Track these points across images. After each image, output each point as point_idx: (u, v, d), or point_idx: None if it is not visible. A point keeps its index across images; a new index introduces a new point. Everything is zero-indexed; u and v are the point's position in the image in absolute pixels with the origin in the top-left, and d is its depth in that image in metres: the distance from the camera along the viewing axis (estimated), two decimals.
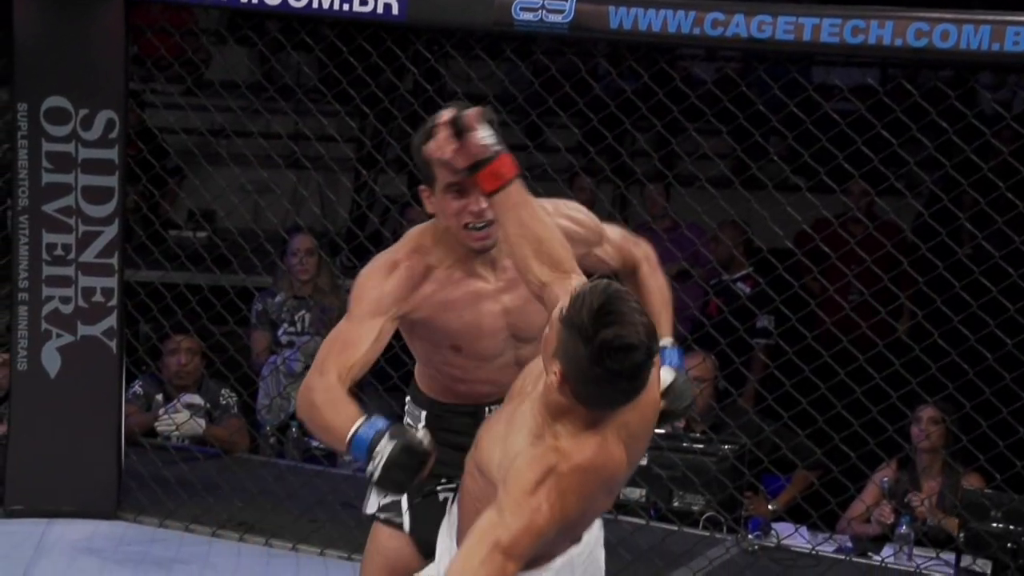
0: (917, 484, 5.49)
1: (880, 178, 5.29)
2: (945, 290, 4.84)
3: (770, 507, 5.79)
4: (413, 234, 3.04)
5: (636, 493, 5.51)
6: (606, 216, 7.54)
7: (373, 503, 3.20)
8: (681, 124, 5.63)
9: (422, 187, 2.96)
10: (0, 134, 5.54)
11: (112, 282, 5.44)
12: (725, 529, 5.39)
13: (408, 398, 3.22)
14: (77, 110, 5.34)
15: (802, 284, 5.23)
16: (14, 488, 5.40)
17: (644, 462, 5.44)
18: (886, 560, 5.24)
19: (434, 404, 3.15)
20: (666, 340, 3.13)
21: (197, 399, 6.19)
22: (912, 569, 5.05)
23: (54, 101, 5.34)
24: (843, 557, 5.26)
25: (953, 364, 4.81)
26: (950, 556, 5.23)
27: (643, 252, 3.25)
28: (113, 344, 5.44)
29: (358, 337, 2.90)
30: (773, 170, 6.04)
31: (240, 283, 6.22)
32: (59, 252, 5.40)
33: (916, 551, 5.26)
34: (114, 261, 5.44)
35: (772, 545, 5.35)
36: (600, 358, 2.52)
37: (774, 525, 5.57)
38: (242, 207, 6.51)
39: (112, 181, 5.41)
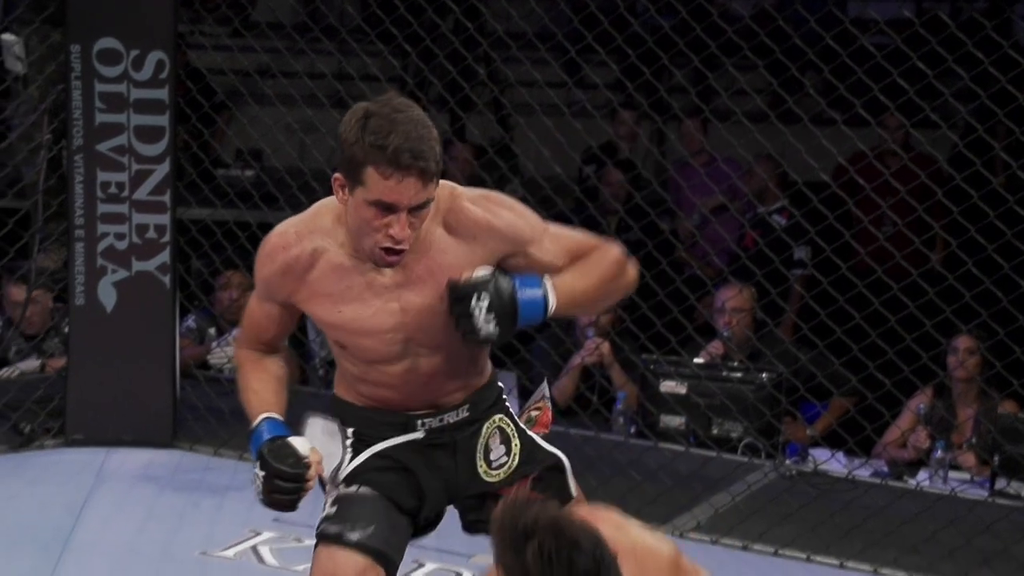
0: (952, 410, 5.46)
1: (915, 110, 5.21)
2: (979, 220, 4.80)
3: (807, 433, 5.78)
4: (317, 208, 2.63)
5: (676, 421, 5.51)
6: (644, 152, 7.53)
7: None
8: (718, 59, 5.59)
9: (336, 175, 2.48)
10: (54, 75, 5.53)
11: (165, 219, 5.45)
12: (763, 455, 5.39)
13: (332, 411, 2.83)
14: (128, 51, 5.34)
15: (838, 216, 5.18)
16: (74, 419, 5.45)
17: (683, 391, 5.46)
18: (921, 484, 5.23)
19: (356, 412, 2.75)
20: (546, 281, 2.59)
21: None
22: (947, 492, 5.04)
23: (106, 42, 5.34)
24: (879, 481, 5.26)
25: (987, 292, 4.78)
26: (985, 479, 5.23)
27: (604, 247, 2.73)
28: (167, 279, 5.46)
29: (262, 319, 2.73)
30: (809, 104, 5.98)
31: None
32: (113, 190, 5.41)
33: (951, 475, 5.25)
34: (166, 199, 5.45)
35: (809, 470, 5.35)
36: None
37: (811, 451, 5.57)
38: (288, 146, 6.50)
39: (163, 120, 5.42)
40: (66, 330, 5.85)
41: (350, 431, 2.73)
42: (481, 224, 2.54)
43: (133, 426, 5.40)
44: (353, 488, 2.70)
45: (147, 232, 5.45)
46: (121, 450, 5.37)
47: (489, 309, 2.49)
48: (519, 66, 6.21)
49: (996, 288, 4.74)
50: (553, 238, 2.63)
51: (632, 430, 5.73)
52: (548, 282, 2.58)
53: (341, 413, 2.75)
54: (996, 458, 5.16)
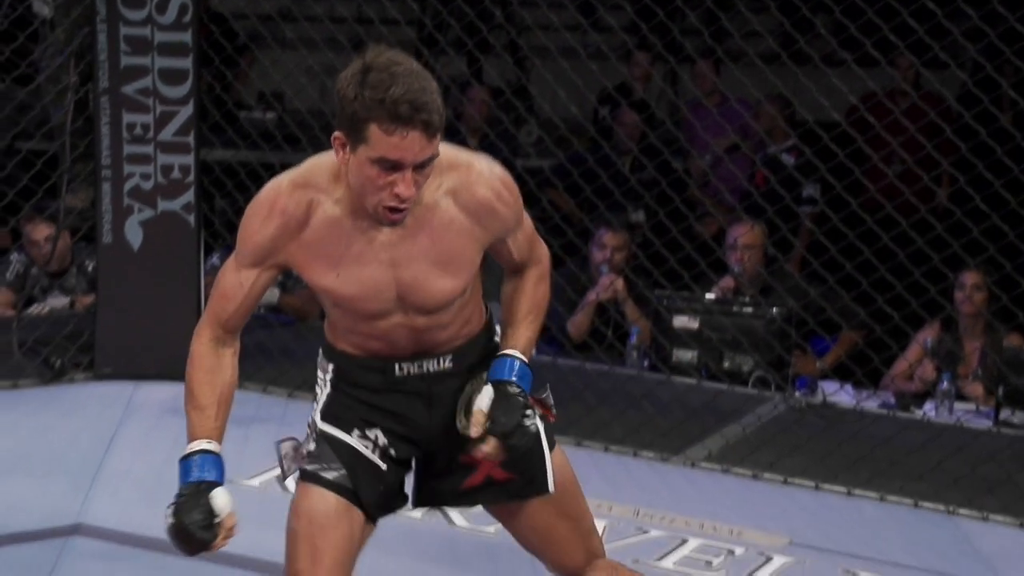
0: (959, 343, 5.45)
1: (925, 50, 5.18)
2: (986, 157, 4.77)
3: (817, 366, 5.78)
4: (311, 164, 2.48)
5: (688, 355, 5.52)
6: (658, 93, 7.50)
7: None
8: (731, 1, 5.53)
9: (336, 134, 2.34)
10: (80, 19, 5.53)
11: (189, 160, 5.46)
12: (773, 388, 5.40)
13: (320, 350, 2.68)
14: None
15: (848, 154, 5.16)
16: (103, 354, 5.48)
17: (696, 326, 5.46)
18: (927, 415, 5.24)
19: (339, 355, 2.62)
20: (512, 351, 2.58)
21: None
22: (952, 423, 5.05)
23: None
24: (886, 412, 5.27)
25: (994, 227, 4.76)
26: (990, 410, 5.23)
27: (541, 254, 2.65)
28: (191, 218, 5.47)
29: (235, 287, 2.51)
30: (820, 44, 5.94)
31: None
32: (138, 131, 5.42)
33: (956, 406, 5.26)
34: (190, 140, 5.45)
35: (818, 402, 5.36)
36: None
37: (820, 383, 5.58)
38: (309, 88, 6.48)
39: (186, 63, 5.41)
40: (89, 267, 5.88)
41: (330, 367, 2.62)
42: (490, 208, 2.46)
43: (160, 360, 5.41)
44: (328, 427, 2.60)
45: (172, 172, 5.46)
46: (148, 383, 5.40)
47: (522, 417, 2.52)
48: (535, 9, 6.17)
49: (1003, 223, 4.73)
50: (524, 228, 2.59)
51: (645, 364, 5.74)
52: (522, 356, 2.59)
53: (327, 351, 2.64)
54: (1001, 389, 5.17)
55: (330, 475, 2.54)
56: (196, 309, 5.46)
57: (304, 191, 2.43)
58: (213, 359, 2.54)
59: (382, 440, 2.59)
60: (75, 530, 3.92)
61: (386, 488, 2.60)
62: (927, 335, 5.50)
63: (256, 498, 4.27)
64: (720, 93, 6.96)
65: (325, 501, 2.52)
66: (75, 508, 4.08)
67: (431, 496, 2.70)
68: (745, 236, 5.78)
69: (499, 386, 2.53)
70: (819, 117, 5.74)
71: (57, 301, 5.96)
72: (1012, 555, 4.13)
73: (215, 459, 2.48)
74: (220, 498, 2.44)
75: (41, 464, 4.49)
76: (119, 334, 5.44)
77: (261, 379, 5.48)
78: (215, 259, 6.21)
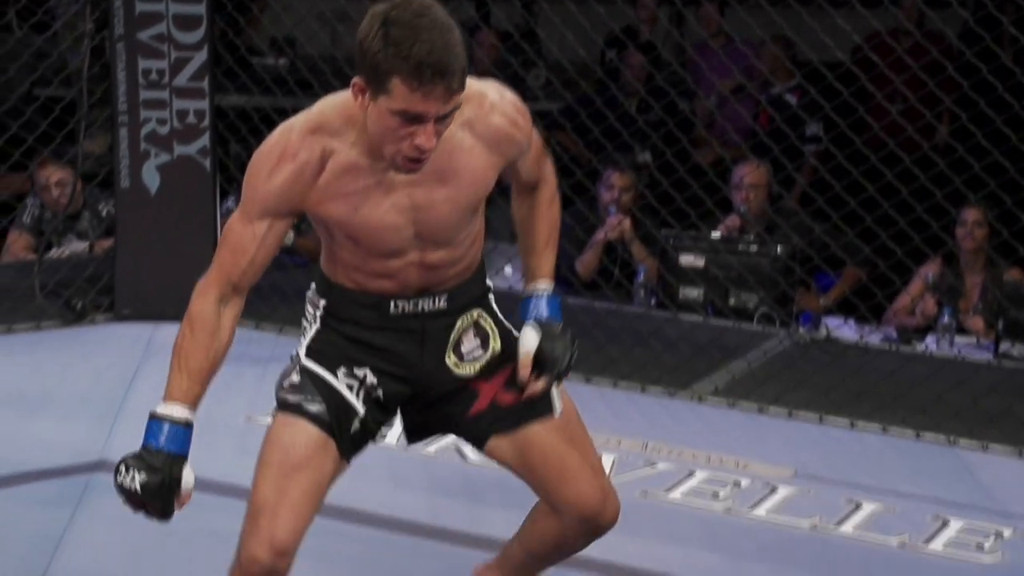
0: (960, 278, 5.45)
1: None
2: (988, 94, 4.74)
3: (821, 302, 5.78)
4: (321, 108, 2.36)
5: (695, 292, 5.52)
6: (664, 35, 7.43)
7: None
8: None
9: (356, 80, 2.23)
10: None
11: (204, 104, 5.45)
12: (778, 324, 5.40)
13: (312, 284, 2.58)
14: None
15: (851, 93, 5.12)
16: (123, 295, 5.50)
17: (702, 264, 5.46)
18: (929, 348, 5.24)
19: (335, 290, 2.50)
20: (542, 284, 2.61)
21: None
22: (953, 356, 5.05)
23: None
24: (889, 346, 5.27)
25: (995, 163, 4.74)
26: (990, 343, 5.23)
27: (549, 171, 2.61)
28: (207, 163, 5.47)
29: (247, 241, 2.36)
30: None
31: None
32: (154, 77, 5.41)
33: (957, 339, 5.26)
34: (204, 85, 5.44)
35: (822, 337, 5.36)
36: None
37: (824, 319, 5.58)
38: (321, 34, 6.44)
39: (200, 9, 5.40)
40: (102, 211, 5.89)
41: (322, 302, 2.51)
42: (506, 135, 2.40)
43: (178, 302, 5.33)
44: (312, 364, 2.48)
45: (187, 117, 5.45)
46: (168, 324, 5.40)
47: (559, 348, 2.54)
48: None
49: (1003, 159, 4.71)
50: (534, 147, 2.53)
51: (653, 302, 5.74)
52: (548, 285, 2.61)
53: (321, 285, 2.52)
54: (1001, 322, 5.17)
55: (312, 408, 2.44)
56: (212, 252, 5.45)
57: (317, 137, 2.32)
58: (214, 321, 2.39)
59: (370, 379, 2.49)
60: (99, 466, 3.94)
61: (362, 430, 2.49)
62: (929, 270, 5.49)
63: None
64: (725, 34, 6.92)
65: (306, 433, 2.42)
66: (99, 445, 4.10)
67: (436, 425, 2.59)
68: (750, 175, 5.76)
69: (545, 326, 2.54)
70: (823, 57, 5.70)
71: (77, 245, 5.97)
72: (1011, 484, 4.15)
73: (187, 433, 2.33)
74: (188, 476, 2.32)
75: (65, 403, 4.51)
76: (138, 276, 5.46)
77: (277, 320, 5.49)
78: (230, 202, 6.20)
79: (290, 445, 2.41)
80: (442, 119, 2.22)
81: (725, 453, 4.26)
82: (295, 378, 2.48)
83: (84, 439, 4.15)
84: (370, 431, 2.50)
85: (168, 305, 5.41)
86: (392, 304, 2.46)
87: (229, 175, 6.05)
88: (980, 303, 5.40)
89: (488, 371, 2.53)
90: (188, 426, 2.33)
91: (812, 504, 3.88)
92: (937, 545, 3.64)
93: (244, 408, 4.51)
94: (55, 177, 5.86)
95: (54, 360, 5.02)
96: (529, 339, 2.51)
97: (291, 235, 6.16)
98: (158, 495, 2.30)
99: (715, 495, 3.93)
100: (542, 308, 2.58)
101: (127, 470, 2.29)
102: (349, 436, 2.46)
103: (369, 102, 2.22)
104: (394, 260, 2.42)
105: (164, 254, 5.42)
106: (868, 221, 5.00)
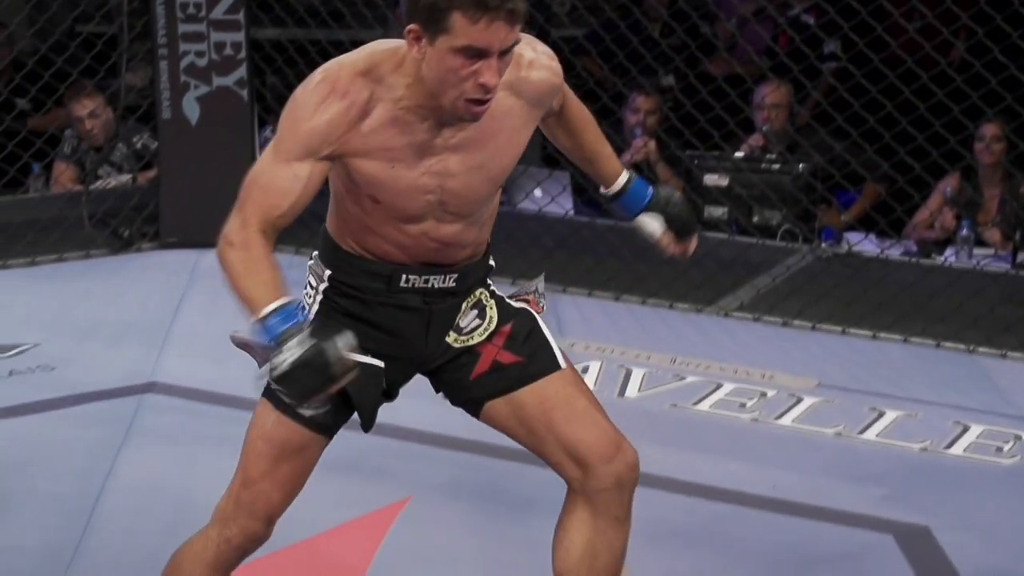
0: (978, 192, 5.40)
1: None
2: (1004, 10, 4.68)
3: (842, 218, 5.74)
4: (371, 52, 2.17)
5: (719, 211, 5.49)
6: None
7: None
8: None
9: (411, 26, 2.06)
10: None
11: (240, 37, 5.44)
12: (801, 240, 5.38)
13: (315, 252, 2.34)
14: None
15: (868, 12, 5.05)
16: (167, 224, 5.52)
17: (726, 183, 5.43)
18: (948, 260, 5.21)
19: (342, 256, 2.28)
20: (623, 176, 2.47)
21: None
22: (972, 267, 5.02)
23: None
24: (909, 259, 5.24)
25: (1011, 78, 4.68)
26: (1007, 254, 5.20)
27: (567, 89, 2.40)
28: (244, 93, 5.46)
29: (284, 184, 2.13)
30: None
31: (353, 37, 6.16)
32: (191, 10, 5.40)
33: (975, 251, 5.22)
34: (240, 17, 5.43)
35: (844, 252, 5.34)
36: None
37: (845, 234, 5.55)
38: None
39: None
40: (137, 144, 5.90)
41: (326, 273, 2.28)
42: (548, 86, 2.25)
43: (221, 229, 5.43)
44: None
45: (224, 49, 5.44)
46: (211, 251, 5.39)
47: (681, 210, 2.47)
48: None
49: (1020, 74, 4.65)
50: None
51: None
52: (628, 173, 2.49)
53: (327, 251, 2.30)
54: (1018, 234, 5.14)
55: (307, 412, 2.20)
56: None
57: (366, 80, 2.13)
58: (266, 247, 2.14)
59: (369, 362, 2.22)
60: (149, 387, 3.98)
61: (361, 408, 2.25)
62: (947, 185, 5.44)
63: None
64: None
65: (299, 435, 2.22)
66: (148, 367, 4.14)
67: (455, 397, 2.33)
68: (771, 95, 5.70)
69: (653, 205, 2.46)
70: None
71: (122, 177, 5.98)
72: None
73: (296, 306, 2.08)
74: (347, 335, 2.05)
75: (116, 327, 4.55)
76: (181, 205, 5.47)
77: (316, 245, 5.49)
78: (268, 131, 6.20)
79: (285, 446, 2.23)
80: (504, 54, 2.08)
81: (751, 366, 4.27)
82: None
83: (135, 361, 4.19)
84: (367, 414, 2.26)
85: (212, 233, 5.42)
86: (403, 276, 2.25)
87: (266, 105, 6.04)
88: (998, 216, 5.36)
89: (487, 336, 2.31)
90: (295, 302, 2.08)
91: (836, 413, 3.88)
92: (957, 449, 3.64)
93: None
94: (87, 108, 5.86)
95: (104, 287, 5.05)
96: (650, 224, 2.46)
97: None
98: (317, 357, 2.00)
99: (742, 406, 3.94)
100: (639, 192, 2.47)
101: (275, 369, 2.01)
102: (341, 422, 2.25)
103: (426, 48, 2.06)
104: (412, 225, 2.22)
105: (206, 183, 5.42)
106: (887, 138, 4.96)
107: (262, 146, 5.74)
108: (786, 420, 3.84)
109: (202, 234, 5.47)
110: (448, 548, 2.93)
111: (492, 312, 2.33)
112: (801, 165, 5.48)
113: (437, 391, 2.34)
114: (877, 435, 3.73)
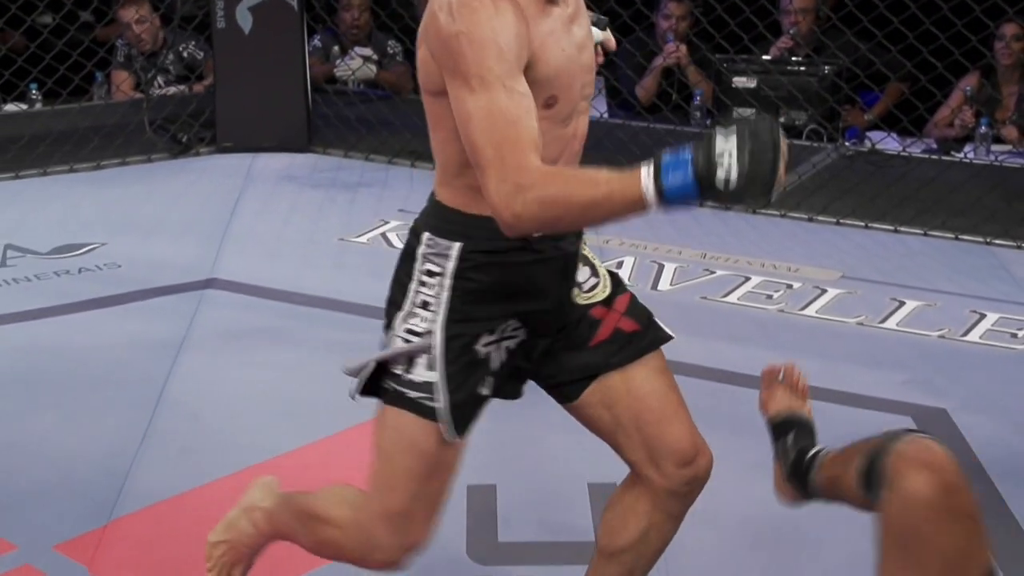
0: (997, 90, 5.31)
1: None
2: None
3: (865, 117, 5.67)
4: None
5: (747, 112, 5.42)
6: None
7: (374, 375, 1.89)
8: None
9: None
10: None
11: None
12: (826, 139, 5.32)
13: (425, 234, 1.85)
14: None
15: None
16: (223, 129, 5.50)
17: (754, 84, 5.35)
18: (967, 156, 5.14)
19: (476, 224, 1.82)
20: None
21: (368, 50, 6.16)
22: (990, 162, 4.95)
23: None
24: (929, 156, 5.18)
25: None
26: None
27: None
28: (295, 3, 5.40)
29: (520, 107, 1.70)
30: None
31: None
32: None
33: (993, 147, 5.15)
34: None
35: (867, 150, 5.28)
36: None
37: (869, 133, 5.48)
38: None
39: None
40: (184, 52, 5.87)
41: (454, 251, 1.83)
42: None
43: (274, 134, 5.44)
44: (447, 348, 1.84)
45: None
46: (264, 155, 5.44)
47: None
48: None
49: None
50: None
51: (708, 122, 5.66)
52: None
53: (450, 224, 1.85)
54: None
55: (439, 405, 1.84)
56: (303, 86, 5.45)
57: None
58: (554, 170, 1.73)
59: (512, 332, 1.89)
60: (209, 283, 4.00)
61: (492, 395, 1.92)
62: (967, 83, 5.35)
63: (366, 252, 4.33)
64: None
65: (436, 437, 1.86)
66: (208, 264, 4.16)
67: (549, 368, 1.96)
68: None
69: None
70: None
71: (177, 87, 5.97)
72: None
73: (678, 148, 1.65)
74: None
75: (177, 227, 4.56)
76: (236, 111, 5.45)
77: (364, 148, 5.49)
78: (316, 41, 6.16)
79: (423, 452, 1.86)
80: None
81: (777, 260, 4.24)
82: (423, 373, 1.85)
83: (195, 258, 4.21)
84: (503, 394, 1.95)
85: (265, 137, 5.45)
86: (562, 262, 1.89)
87: (315, 15, 5.99)
88: (1015, 113, 5.28)
89: (606, 299, 1.97)
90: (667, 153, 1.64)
91: (858, 303, 3.86)
92: (974, 336, 3.62)
93: (336, 230, 4.54)
94: (135, 16, 5.84)
95: (165, 189, 5.06)
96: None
97: (374, 69, 6.10)
98: (768, 138, 1.61)
99: (769, 297, 3.92)
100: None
101: (731, 185, 1.59)
102: (479, 412, 1.90)
103: None
104: (567, 127, 1.83)
105: (259, 90, 5.41)
106: (910, 38, 4.87)
107: (311, 55, 5.74)
108: (810, 311, 3.82)
109: (256, 138, 5.50)
110: None
111: (602, 271, 2.00)
112: (827, 67, 5.40)
113: (537, 375, 1.96)
114: (897, 324, 3.71)
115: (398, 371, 1.86)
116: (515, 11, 1.72)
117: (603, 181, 1.65)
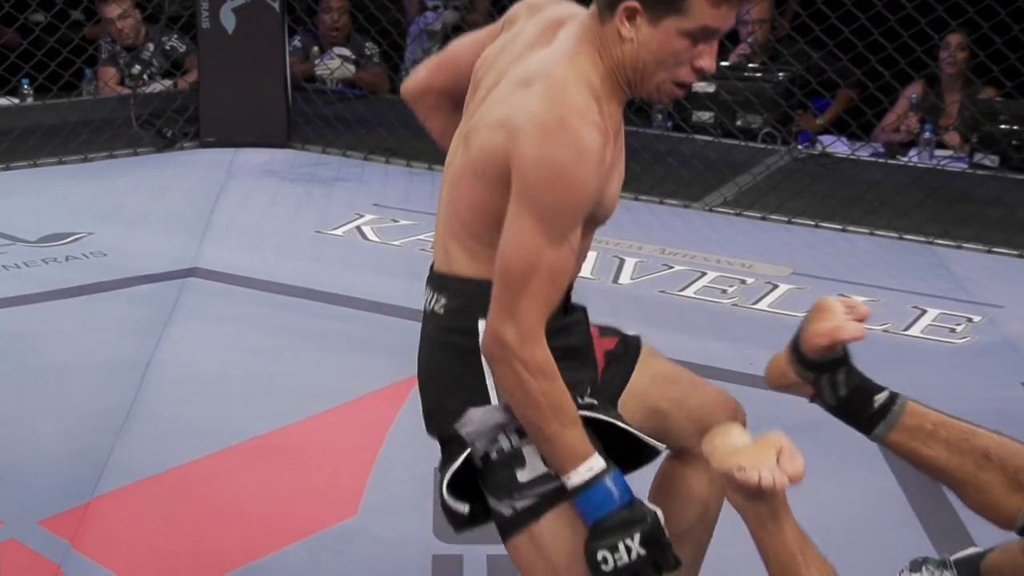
0: (941, 98, 5.34)
1: None
2: None
3: (817, 122, 5.69)
4: (573, 61, 1.68)
5: (706, 115, 5.45)
6: None
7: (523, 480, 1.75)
8: None
9: (631, 3, 1.65)
10: None
11: None
12: (780, 141, 5.34)
13: (482, 322, 1.69)
14: None
15: None
16: (207, 124, 5.47)
17: (712, 89, 5.36)
18: (912, 160, 5.17)
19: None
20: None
21: (346, 51, 6.14)
22: (933, 166, 4.99)
23: None
24: (876, 160, 5.21)
25: None
26: (965, 155, 5.16)
27: None
28: (276, 4, 5.38)
29: (566, 262, 1.66)
30: None
31: None
32: None
33: (937, 152, 5.19)
34: None
35: (818, 153, 5.30)
36: None
37: (820, 137, 5.51)
38: None
39: None
40: (166, 46, 5.84)
41: None
42: None
43: (255, 130, 5.41)
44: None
45: None
46: (246, 150, 5.41)
47: None
48: None
49: None
50: None
51: (669, 124, 5.67)
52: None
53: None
54: (975, 136, 5.10)
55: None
56: (284, 85, 5.43)
57: (597, 99, 1.66)
58: (551, 375, 1.68)
59: (588, 398, 1.80)
60: (191, 272, 3.97)
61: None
62: (913, 91, 5.38)
63: (341, 244, 4.32)
64: None
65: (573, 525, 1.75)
66: (191, 254, 4.13)
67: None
68: (756, 9, 5.62)
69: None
70: None
71: (162, 83, 5.92)
72: (980, 276, 4.13)
73: (619, 474, 1.71)
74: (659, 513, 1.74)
75: (161, 218, 4.53)
76: (219, 107, 5.42)
77: (341, 145, 5.47)
78: (297, 41, 6.13)
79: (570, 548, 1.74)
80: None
81: (732, 256, 4.25)
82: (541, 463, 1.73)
83: (179, 248, 4.18)
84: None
85: (246, 133, 5.42)
86: (571, 291, 1.83)
87: (295, 16, 5.96)
88: (957, 120, 5.31)
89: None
90: (616, 469, 1.71)
91: (807, 298, 3.87)
92: (915, 331, 3.65)
93: (313, 223, 4.52)
94: (116, 11, 5.79)
95: (150, 181, 5.03)
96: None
97: (352, 68, 6.08)
98: (657, 536, 1.70)
99: (723, 292, 3.94)
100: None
101: (615, 551, 1.68)
102: None
103: (644, 27, 1.66)
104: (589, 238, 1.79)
105: (242, 88, 5.37)
106: (860, 48, 4.89)
107: (291, 54, 5.71)
108: (763, 305, 3.83)
109: (238, 134, 5.47)
110: None
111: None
112: (781, 74, 5.43)
113: None
114: None
115: (529, 476, 1.73)
116: (610, 156, 1.66)
117: (567, 422, 1.68)
